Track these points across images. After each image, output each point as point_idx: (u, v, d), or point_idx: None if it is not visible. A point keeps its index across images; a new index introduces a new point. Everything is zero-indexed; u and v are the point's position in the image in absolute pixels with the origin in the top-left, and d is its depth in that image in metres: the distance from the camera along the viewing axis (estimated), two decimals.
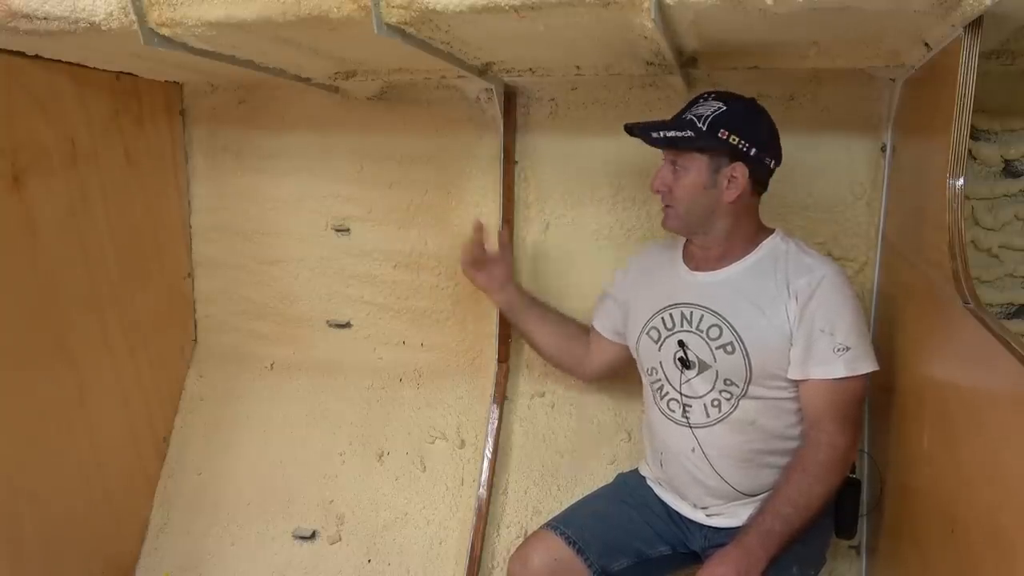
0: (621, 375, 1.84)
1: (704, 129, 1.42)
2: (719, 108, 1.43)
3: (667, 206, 1.50)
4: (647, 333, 1.56)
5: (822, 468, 1.40)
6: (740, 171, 1.45)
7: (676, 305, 1.52)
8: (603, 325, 1.75)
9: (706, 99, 1.46)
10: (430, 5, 1.16)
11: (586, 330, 1.81)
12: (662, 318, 1.53)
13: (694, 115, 1.44)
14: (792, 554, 1.40)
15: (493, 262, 1.85)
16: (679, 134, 1.43)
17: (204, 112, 2.15)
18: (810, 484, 1.39)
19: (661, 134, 1.45)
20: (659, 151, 1.53)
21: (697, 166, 1.44)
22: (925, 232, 1.40)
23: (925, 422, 1.34)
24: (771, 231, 1.52)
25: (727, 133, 1.42)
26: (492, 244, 1.87)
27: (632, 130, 1.51)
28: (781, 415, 1.46)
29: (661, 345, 1.53)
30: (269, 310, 2.19)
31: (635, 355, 1.62)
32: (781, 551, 1.37)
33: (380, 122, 2.02)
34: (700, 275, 1.52)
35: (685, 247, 1.59)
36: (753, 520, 1.41)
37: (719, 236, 1.49)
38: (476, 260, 1.83)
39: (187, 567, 2.05)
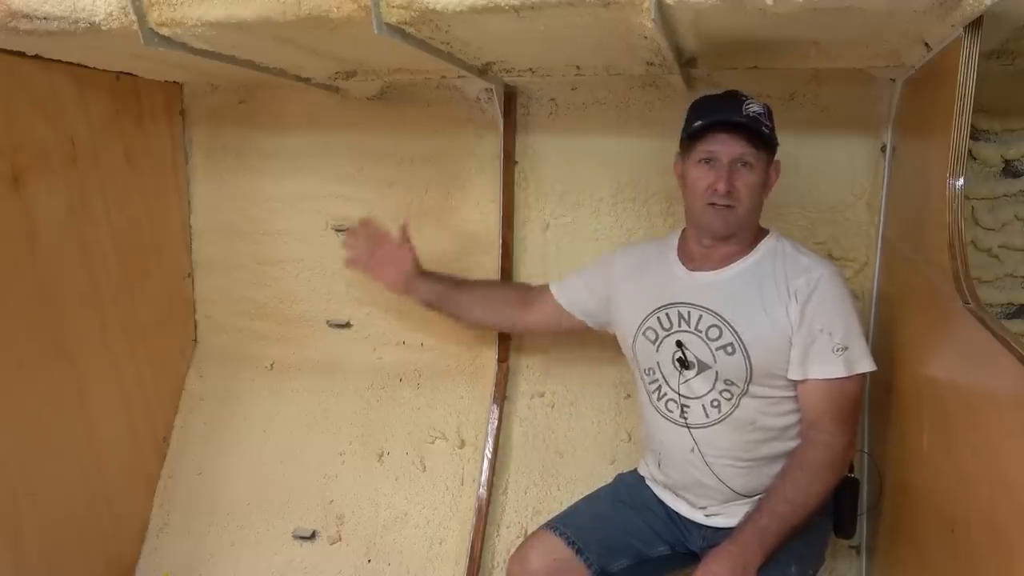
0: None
1: (771, 126, 1.44)
2: (762, 105, 1.46)
3: (726, 206, 1.42)
4: (643, 334, 1.54)
5: (820, 467, 1.40)
6: (778, 167, 1.49)
7: (672, 304, 1.51)
8: (567, 298, 1.70)
9: (747, 98, 1.44)
10: (430, 5, 1.16)
11: (515, 291, 1.84)
12: (658, 318, 1.52)
13: (754, 112, 1.42)
14: (791, 553, 1.40)
15: (391, 259, 1.80)
16: (767, 131, 1.43)
17: (204, 112, 2.15)
18: (808, 482, 1.39)
19: (765, 128, 1.41)
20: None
21: (761, 163, 1.44)
22: (925, 232, 1.40)
23: (925, 422, 1.34)
24: (766, 231, 1.52)
25: (773, 130, 1.46)
26: (391, 237, 1.81)
27: (709, 125, 1.43)
28: (780, 414, 1.46)
29: (659, 346, 1.53)
30: (269, 310, 2.19)
31: (631, 356, 1.61)
32: (777, 548, 1.36)
33: (380, 122, 2.03)
34: (699, 275, 1.51)
35: (681, 246, 1.57)
36: (749, 517, 1.40)
37: (745, 234, 1.49)
38: (373, 257, 1.80)
39: (187, 567, 2.05)
